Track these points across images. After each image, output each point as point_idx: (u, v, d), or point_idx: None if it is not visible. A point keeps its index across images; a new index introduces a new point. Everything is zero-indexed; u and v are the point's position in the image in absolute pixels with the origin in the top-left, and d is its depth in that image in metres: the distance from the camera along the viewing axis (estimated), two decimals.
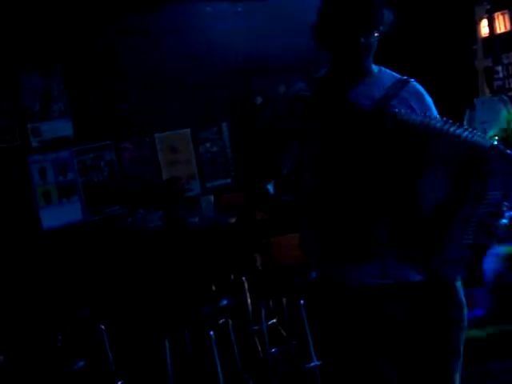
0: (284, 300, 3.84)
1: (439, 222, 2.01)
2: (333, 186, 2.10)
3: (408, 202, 2.02)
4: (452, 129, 2.01)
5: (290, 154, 2.23)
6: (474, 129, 2.06)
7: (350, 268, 2.13)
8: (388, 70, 2.26)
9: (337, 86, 2.19)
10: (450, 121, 2.03)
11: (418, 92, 2.21)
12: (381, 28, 2.14)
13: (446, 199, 2.01)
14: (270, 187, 2.25)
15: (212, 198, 4.46)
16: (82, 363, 3.24)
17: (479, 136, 2.03)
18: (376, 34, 2.14)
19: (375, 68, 2.23)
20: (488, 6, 5.83)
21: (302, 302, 3.66)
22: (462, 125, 2.12)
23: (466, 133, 2.01)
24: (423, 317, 2.13)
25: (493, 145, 2.01)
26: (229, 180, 5.28)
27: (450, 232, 2.01)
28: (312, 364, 3.66)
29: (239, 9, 5.65)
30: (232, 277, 4.20)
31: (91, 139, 4.69)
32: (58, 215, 4.44)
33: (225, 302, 3.67)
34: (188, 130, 5.19)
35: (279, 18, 5.70)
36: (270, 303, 4.17)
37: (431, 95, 2.25)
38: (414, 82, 2.22)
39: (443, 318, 2.15)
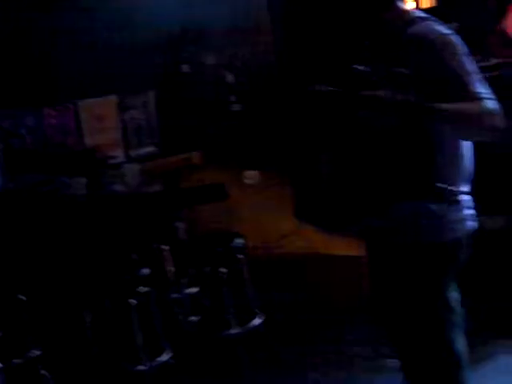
0: (207, 269, 3.88)
1: None
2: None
3: None
4: None
5: None
6: None
7: None
8: None
9: None
10: None
11: None
12: None
13: None
14: None
15: (137, 166, 4.43)
16: None
17: None
18: None
19: None
20: None
21: (224, 270, 3.71)
22: None
23: None
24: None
25: None
26: (154, 148, 5.24)
27: None
28: (231, 331, 3.72)
29: None
30: (154, 246, 4.20)
31: (12, 104, 4.58)
32: None
33: (146, 271, 3.68)
34: (114, 97, 5.12)
35: None
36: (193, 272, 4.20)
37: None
38: None
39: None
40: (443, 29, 2.23)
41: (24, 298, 3.61)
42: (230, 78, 5.70)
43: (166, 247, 4.13)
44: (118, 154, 4.88)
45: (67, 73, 4.92)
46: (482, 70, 2.28)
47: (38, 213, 4.03)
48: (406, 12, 2.28)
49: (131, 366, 3.56)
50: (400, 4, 2.26)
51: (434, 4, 6.36)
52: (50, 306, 3.88)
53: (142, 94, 5.33)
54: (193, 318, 4.00)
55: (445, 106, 2.07)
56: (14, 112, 4.59)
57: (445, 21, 6.46)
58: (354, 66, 2.17)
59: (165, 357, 3.64)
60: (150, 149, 5.19)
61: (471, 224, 2.28)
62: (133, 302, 3.57)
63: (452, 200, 2.18)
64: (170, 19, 5.43)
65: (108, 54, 5.13)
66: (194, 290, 4.14)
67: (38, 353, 3.59)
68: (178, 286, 4.07)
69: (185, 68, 5.53)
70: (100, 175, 4.30)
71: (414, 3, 5.87)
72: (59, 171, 4.32)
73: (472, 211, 2.29)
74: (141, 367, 3.54)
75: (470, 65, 2.15)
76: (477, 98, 2.10)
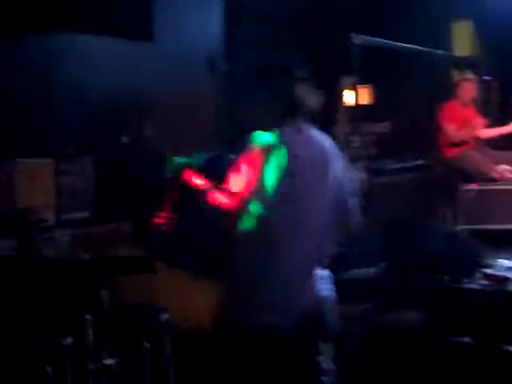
0: (127, 341, 3.85)
1: None
2: None
3: None
4: None
5: None
6: None
7: None
8: None
9: None
10: None
11: None
12: None
13: None
14: None
15: (68, 230, 4.42)
16: None
17: None
18: None
19: None
20: (354, 79, 6.23)
21: (146, 344, 3.70)
22: None
23: None
24: None
25: None
26: (87, 214, 5.24)
27: None
28: None
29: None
30: (76, 313, 4.15)
31: None
32: None
33: (65, 339, 3.64)
34: (50, 160, 5.13)
35: (162, 61, 5.80)
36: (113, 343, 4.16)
37: None
38: None
39: None
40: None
41: None
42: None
43: (89, 316, 4.09)
44: (50, 218, 4.85)
45: (4, 131, 4.91)
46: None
47: None
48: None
49: None
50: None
51: (370, 102, 6.72)
52: None
53: (79, 159, 5.36)
54: None
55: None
56: None
57: (379, 119, 6.75)
58: None
59: None
60: (81, 214, 5.19)
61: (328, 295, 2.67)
62: (49, 369, 3.51)
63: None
64: (115, 85, 5.55)
65: (47, 116, 5.17)
66: (111, 361, 4.09)
67: None
68: (97, 356, 4.02)
69: (124, 138, 5.61)
70: (30, 238, 4.26)
71: (354, 99, 6.17)
72: None
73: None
74: None
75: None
76: None
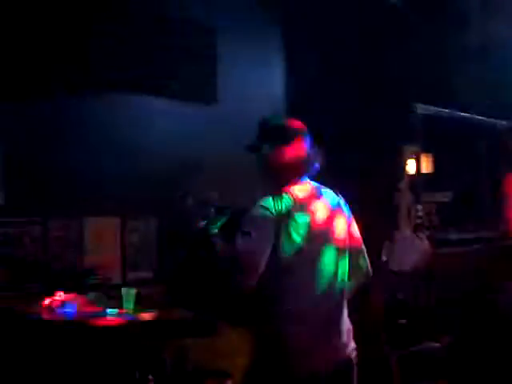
0: None
1: None
2: None
3: None
4: None
5: None
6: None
7: None
8: None
9: None
10: None
11: None
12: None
13: None
14: None
15: (133, 290, 4.45)
16: None
17: None
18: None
19: None
20: (415, 148, 6.24)
21: None
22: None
23: None
24: None
25: None
26: (151, 274, 5.29)
27: None
28: None
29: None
30: (137, 374, 4.15)
31: (20, 213, 4.65)
32: None
33: None
34: (117, 219, 5.22)
35: (225, 123, 5.89)
36: None
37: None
38: None
39: None
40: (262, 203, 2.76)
41: None
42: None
43: (152, 377, 4.08)
44: (116, 276, 4.91)
45: (73, 189, 5.01)
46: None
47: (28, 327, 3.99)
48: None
49: None
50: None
51: (432, 171, 6.69)
52: None
53: (145, 219, 5.44)
54: None
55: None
56: (21, 220, 4.65)
57: (440, 188, 6.67)
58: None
59: None
60: (146, 274, 5.23)
61: None
62: None
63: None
64: (175, 150, 5.63)
65: (115, 177, 5.25)
66: None
67: None
68: None
69: (189, 200, 5.66)
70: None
71: (416, 168, 6.17)
72: (58, 286, 4.33)
73: None
74: None
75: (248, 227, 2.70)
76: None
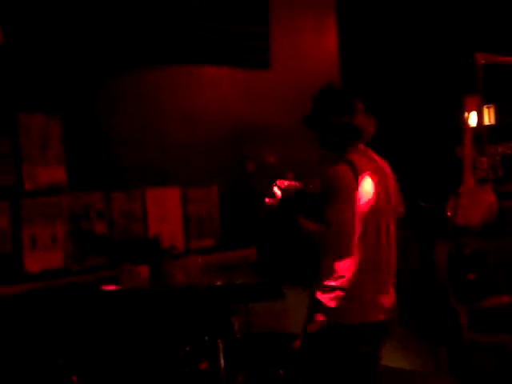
0: (262, 368, 3.85)
1: None
2: None
3: None
4: None
5: None
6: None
7: None
8: None
9: None
10: None
11: None
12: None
13: None
14: None
15: (199, 257, 4.49)
16: None
17: None
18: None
19: None
20: (478, 99, 6.05)
21: (280, 372, 3.68)
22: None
23: None
24: None
25: None
26: (214, 241, 5.32)
27: None
28: None
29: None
30: (207, 339, 4.20)
31: (83, 187, 4.73)
32: (41, 260, 4.44)
33: (204, 365, 3.68)
34: (178, 189, 5.25)
35: (279, 88, 5.85)
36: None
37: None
38: None
39: None
40: (342, 172, 2.95)
41: (76, 379, 3.64)
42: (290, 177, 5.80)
43: (221, 342, 4.12)
44: (179, 245, 4.95)
45: (134, 161, 5.07)
46: None
47: (99, 296, 4.08)
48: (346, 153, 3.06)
49: None
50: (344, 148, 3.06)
51: (494, 122, 6.50)
52: None
53: (205, 187, 5.46)
54: None
55: (302, 220, 2.98)
56: (85, 194, 4.73)
57: (505, 139, 6.47)
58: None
59: None
60: (209, 241, 5.27)
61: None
62: None
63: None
64: (236, 116, 5.63)
65: (175, 146, 5.29)
66: None
67: None
68: (232, 381, 4.04)
69: (249, 166, 5.66)
70: (163, 264, 4.36)
71: (478, 121, 6.00)
72: (124, 257, 4.40)
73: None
74: None
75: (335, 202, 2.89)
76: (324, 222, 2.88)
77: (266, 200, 3.18)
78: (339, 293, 2.92)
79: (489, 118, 6.48)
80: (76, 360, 3.77)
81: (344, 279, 2.92)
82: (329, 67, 6.48)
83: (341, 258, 2.92)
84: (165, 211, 5.14)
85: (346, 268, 2.93)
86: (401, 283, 3.25)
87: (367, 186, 2.95)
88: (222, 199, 5.52)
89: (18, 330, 4.02)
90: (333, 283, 2.93)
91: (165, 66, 5.30)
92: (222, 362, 4.11)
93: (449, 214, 5.25)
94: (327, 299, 2.92)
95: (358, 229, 2.92)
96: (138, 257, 4.46)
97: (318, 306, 2.93)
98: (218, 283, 4.32)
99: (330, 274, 2.95)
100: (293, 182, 3.21)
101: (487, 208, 5.43)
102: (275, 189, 3.15)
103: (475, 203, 5.43)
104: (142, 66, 5.15)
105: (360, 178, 2.93)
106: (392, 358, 3.38)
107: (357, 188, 2.91)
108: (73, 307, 4.19)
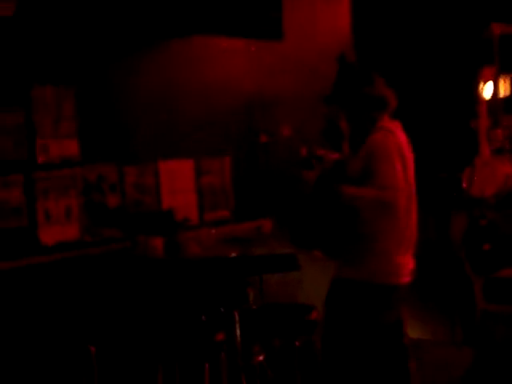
0: (278, 339, 3.86)
1: None
2: None
3: None
4: None
5: None
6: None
7: None
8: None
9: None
10: None
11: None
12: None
13: None
14: None
15: (213, 229, 4.49)
16: None
17: None
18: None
19: None
20: (494, 69, 5.99)
21: (296, 343, 3.69)
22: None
23: None
24: None
25: None
26: (227, 213, 5.32)
27: None
28: None
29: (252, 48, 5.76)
30: (222, 310, 4.21)
31: (96, 160, 4.72)
32: (56, 232, 4.45)
33: (221, 336, 3.69)
34: (191, 161, 5.24)
35: (292, 60, 5.81)
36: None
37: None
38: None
39: None
40: (385, 137, 3.01)
41: (94, 349, 3.66)
42: (303, 150, 5.78)
43: (237, 313, 4.13)
44: (193, 217, 4.95)
45: (147, 134, 5.05)
46: None
47: (116, 268, 4.09)
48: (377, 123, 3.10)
49: None
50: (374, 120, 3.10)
51: (509, 93, 6.43)
52: (121, 364, 3.89)
53: (219, 159, 5.45)
54: None
55: (348, 190, 2.95)
56: (98, 168, 4.72)
57: None
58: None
59: None
60: (222, 213, 5.26)
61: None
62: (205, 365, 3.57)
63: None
64: (249, 87, 5.60)
65: (187, 118, 5.27)
66: (260, 358, 4.11)
67: None
68: (248, 352, 4.05)
69: (262, 137, 5.64)
70: (177, 236, 4.36)
71: (493, 91, 5.94)
72: (137, 229, 4.40)
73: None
74: None
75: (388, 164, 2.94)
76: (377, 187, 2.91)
77: (305, 173, 3.17)
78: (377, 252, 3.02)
79: (504, 89, 6.41)
80: (93, 330, 3.79)
81: (383, 242, 3.02)
82: (342, 38, 6.43)
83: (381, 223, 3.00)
84: (178, 184, 5.13)
85: (387, 230, 3.01)
86: (417, 254, 3.26)
87: (404, 153, 3.04)
88: (235, 171, 5.50)
89: (34, 300, 4.04)
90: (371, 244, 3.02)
91: (178, 40, 5.26)
92: (238, 332, 4.12)
93: (464, 185, 5.22)
94: (362, 258, 3.02)
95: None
96: (151, 229, 4.46)
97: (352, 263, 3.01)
98: (233, 255, 4.32)
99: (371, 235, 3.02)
100: (329, 153, 3.19)
101: (503, 179, 5.40)
102: (314, 160, 3.13)
103: (491, 174, 5.39)
104: (155, 39, 5.11)
105: (399, 144, 3.03)
106: (407, 327, 3.38)
107: (399, 153, 3.00)
108: (89, 278, 4.20)
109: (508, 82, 6.40)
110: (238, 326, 4.09)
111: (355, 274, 3.02)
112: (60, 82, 4.60)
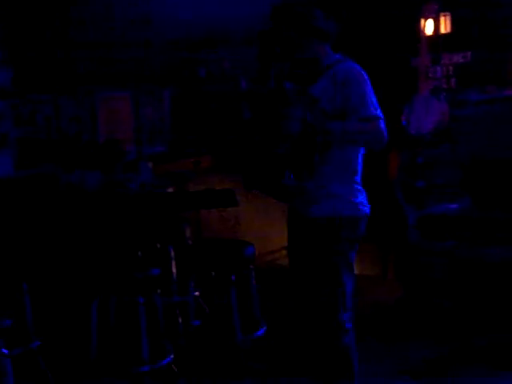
0: (213, 274, 3.87)
1: None
2: None
3: None
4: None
5: None
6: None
7: None
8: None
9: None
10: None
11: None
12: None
13: None
14: None
15: (151, 164, 4.43)
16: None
17: None
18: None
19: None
20: (436, 6, 5.97)
21: (232, 277, 3.71)
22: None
23: None
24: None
25: None
26: (165, 148, 5.25)
27: None
28: (236, 338, 3.72)
29: None
30: (158, 245, 4.20)
31: (30, 92, 4.57)
32: None
33: (156, 271, 3.68)
34: (129, 93, 5.13)
35: None
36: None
37: (375, 88, 2.95)
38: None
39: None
40: (356, 66, 2.99)
41: (27, 286, 3.61)
42: (244, 84, 5.72)
43: (172, 249, 4.13)
44: (131, 150, 4.87)
45: (84, 66, 4.91)
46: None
47: (50, 203, 4.02)
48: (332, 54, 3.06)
49: (132, 367, 3.55)
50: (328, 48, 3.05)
51: (450, 30, 6.43)
52: (56, 298, 3.87)
53: (157, 92, 5.34)
54: (195, 323, 4.00)
55: (334, 125, 2.89)
56: (32, 99, 4.58)
57: (460, 48, 6.42)
58: (285, 82, 3.03)
59: (167, 359, 3.63)
60: (160, 148, 5.20)
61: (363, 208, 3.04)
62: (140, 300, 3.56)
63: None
64: (192, 20, 5.46)
65: (126, 49, 5.13)
66: (196, 293, 4.14)
67: (38, 344, 3.60)
68: (183, 288, 4.07)
69: (201, 71, 5.54)
70: (115, 170, 4.29)
71: (433, 28, 5.94)
72: (74, 163, 4.32)
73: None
74: (142, 368, 3.53)
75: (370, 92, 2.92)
76: (369, 118, 2.88)
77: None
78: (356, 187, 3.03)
79: (445, 26, 6.40)
80: (25, 265, 3.73)
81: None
82: None
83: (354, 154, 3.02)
84: (115, 117, 5.02)
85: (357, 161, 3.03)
86: None
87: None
88: (173, 104, 5.41)
89: None
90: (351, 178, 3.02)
91: None
92: (174, 268, 4.12)
93: (403, 122, 5.26)
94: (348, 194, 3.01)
95: None
96: (89, 163, 4.38)
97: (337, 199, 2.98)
98: (170, 190, 4.28)
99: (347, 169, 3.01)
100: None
101: (439, 117, 5.46)
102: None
103: (428, 112, 5.44)
104: None
105: None
106: None
107: None
108: (23, 208, 4.12)
109: (448, 19, 6.39)
110: (173, 261, 4.10)
111: (334, 209, 2.97)
112: None
